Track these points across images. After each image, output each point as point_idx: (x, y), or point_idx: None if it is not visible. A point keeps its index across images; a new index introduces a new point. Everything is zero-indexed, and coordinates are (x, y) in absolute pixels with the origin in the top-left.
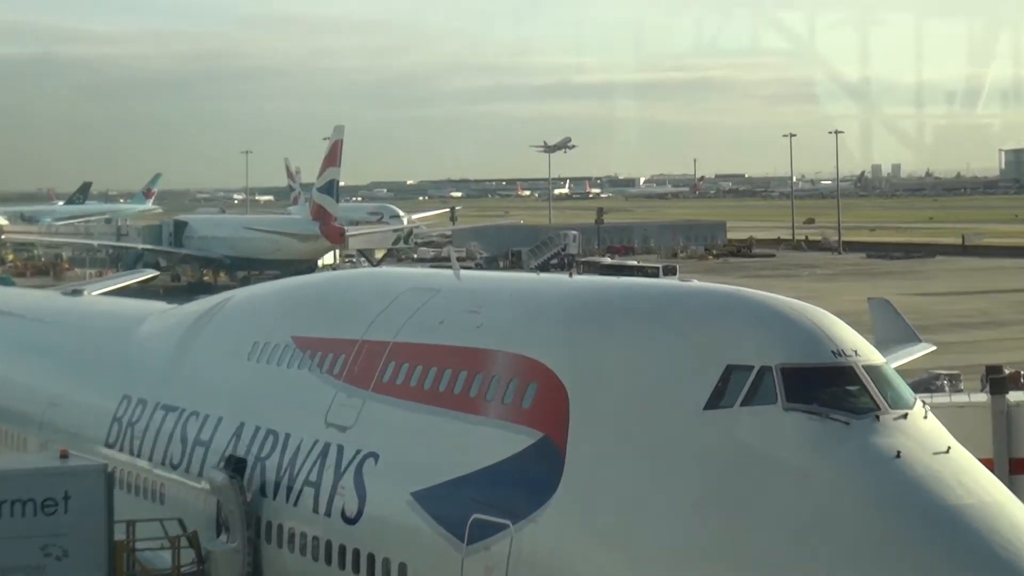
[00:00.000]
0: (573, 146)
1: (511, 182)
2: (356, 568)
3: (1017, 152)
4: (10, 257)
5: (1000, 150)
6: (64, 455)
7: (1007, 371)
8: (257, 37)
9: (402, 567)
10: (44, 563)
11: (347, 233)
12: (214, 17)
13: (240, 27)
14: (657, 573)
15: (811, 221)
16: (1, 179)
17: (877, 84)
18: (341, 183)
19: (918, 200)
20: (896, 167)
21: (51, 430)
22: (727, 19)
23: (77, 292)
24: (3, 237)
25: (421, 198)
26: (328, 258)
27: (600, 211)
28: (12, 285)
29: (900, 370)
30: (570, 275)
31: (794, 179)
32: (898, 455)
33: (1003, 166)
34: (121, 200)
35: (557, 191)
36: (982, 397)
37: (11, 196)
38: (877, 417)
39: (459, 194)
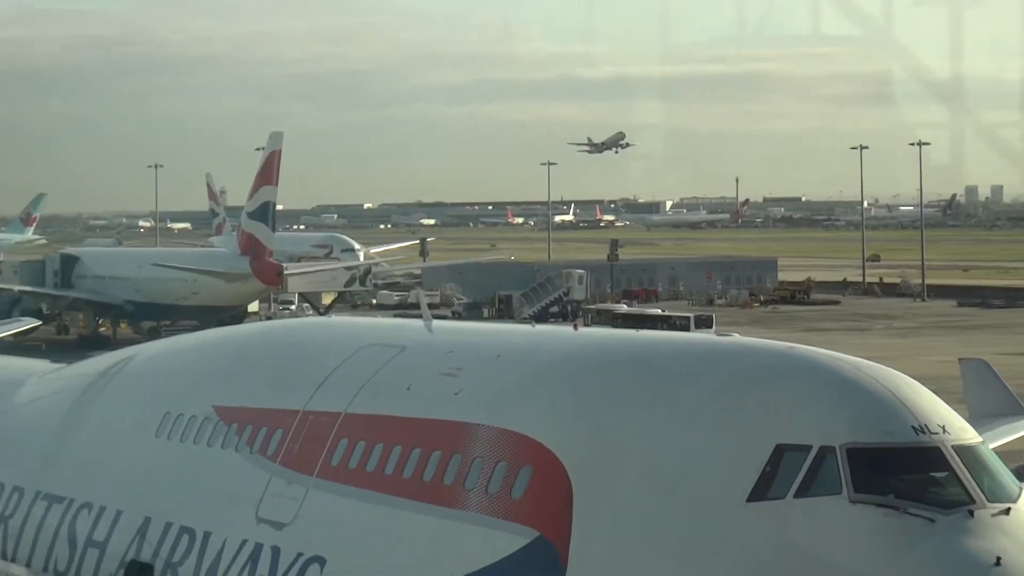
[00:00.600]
0: (627, 144)
1: (499, 206)
2: None
3: None
4: None
5: None
6: None
7: None
8: (170, 18)
9: None
10: None
11: (286, 271)
12: None
13: (148, 5)
14: None
15: (876, 258)
16: None
17: (973, 83)
18: (279, 206)
19: None
20: (997, 189)
21: None
22: None
23: None
24: None
25: (383, 226)
26: (254, 306)
27: (614, 244)
28: None
29: (1001, 452)
30: (575, 327)
31: (865, 204)
32: (998, 562)
33: None
34: None
35: (559, 218)
36: None
37: None
38: (971, 512)
39: (431, 221)
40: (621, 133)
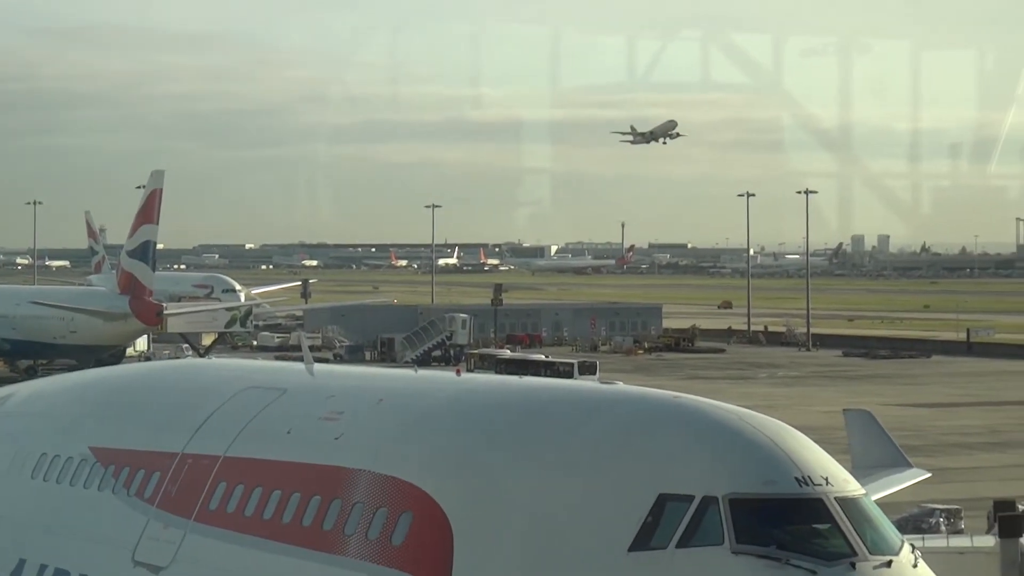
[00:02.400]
0: (678, 134)
1: (382, 248)
2: None
3: None
4: None
5: (1018, 219)
6: None
7: (1021, 507)
8: (52, 54)
9: None
10: None
11: (166, 311)
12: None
13: (29, 40)
14: None
15: (727, 305)
16: None
17: (861, 132)
18: (160, 245)
19: (912, 283)
20: (884, 239)
21: None
22: (670, 43)
23: None
24: None
25: (264, 267)
26: (141, 344)
27: (498, 288)
28: None
29: (883, 503)
30: (457, 372)
31: (752, 252)
32: None
33: (1021, 240)
34: None
35: (443, 261)
36: (989, 540)
37: None
38: (853, 565)
39: (314, 262)
40: (672, 122)
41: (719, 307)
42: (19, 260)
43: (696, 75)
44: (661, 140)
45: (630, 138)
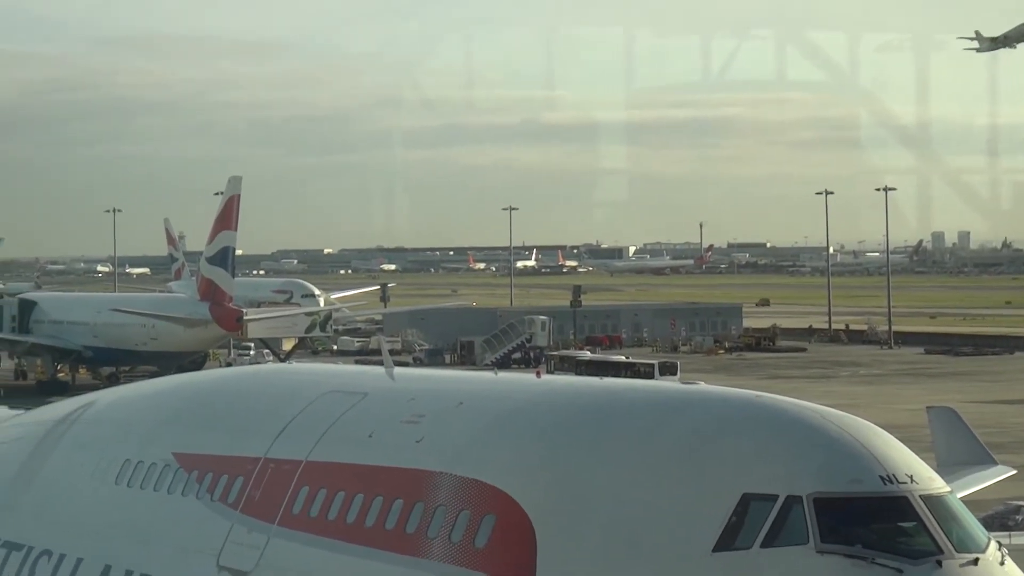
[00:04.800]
0: None
1: (460, 251)
2: None
3: None
4: None
5: None
6: None
7: None
8: (128, 62)
9: None
10: None
11: (246, 317)
12: (69, 35)
13: (104, 49)
14: None
15: (765, 303)
16: None
17: (940, 128)
18: (239, 251)
19: (993, 279)
20: (964, 235)
21: None
22: (746, 43)
23: None
24: None
25: (343, 271)
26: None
27: (577, 290)
28: None
29: (969, 500)
30: (538, 374)
31: (831, 250)
32: None
33: None
34: None
35: (521, 263)
36: None
37: None
38: (939, 563)
39: (392, 267)
40: None
41: (757, 304)
42: (100, 268)
43: (771, 74)
44: (1012, 46)
45: (975, 45)
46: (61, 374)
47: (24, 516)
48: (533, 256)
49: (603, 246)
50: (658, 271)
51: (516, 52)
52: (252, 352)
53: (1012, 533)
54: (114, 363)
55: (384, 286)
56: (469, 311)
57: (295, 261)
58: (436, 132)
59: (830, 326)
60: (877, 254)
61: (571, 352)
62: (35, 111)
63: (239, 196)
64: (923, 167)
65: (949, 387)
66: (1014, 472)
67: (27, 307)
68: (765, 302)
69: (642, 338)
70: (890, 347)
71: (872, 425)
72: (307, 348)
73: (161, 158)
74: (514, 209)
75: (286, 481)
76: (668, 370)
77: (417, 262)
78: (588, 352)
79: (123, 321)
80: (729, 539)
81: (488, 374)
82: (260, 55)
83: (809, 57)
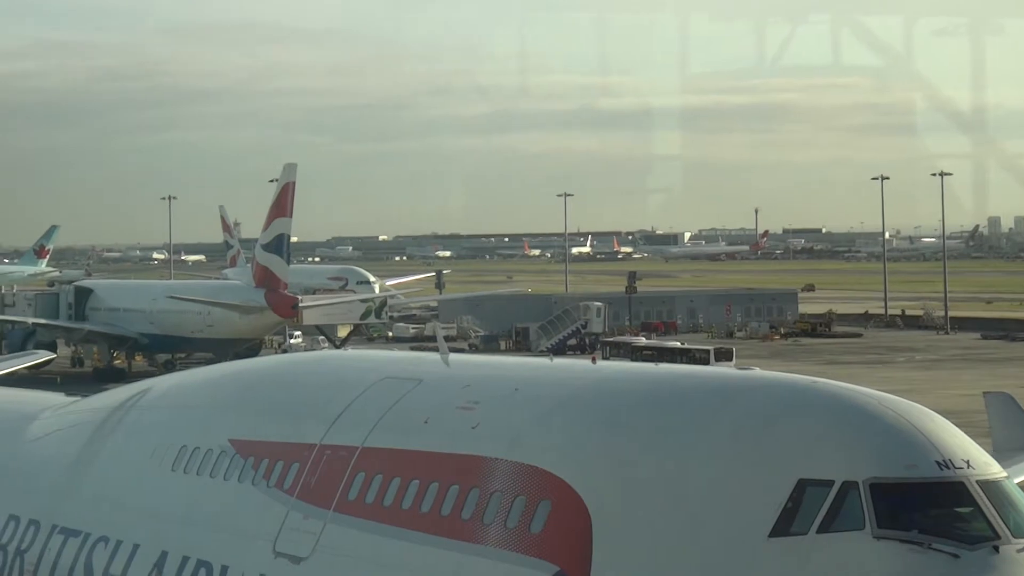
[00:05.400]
0: None
1: (516, 238)
2: None
3: None
4: None
5: None
6: None
7: None
8: (183, 51)
9: None
10: None
11: (301, 304)
12: (127, 25)
13: (161, 38)
14: None
15: (810, 288)
16: None
17: (995, 113)
18: (294, 238)
19: None
20: (1021, 220)
21: None
22: (801, 28)
23: None
24: None
25: (398, 258)
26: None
27: (632, 276)
28: None
29: None
30: (593, 360)
31: (887, 235)
32: None
33: None
34: (6, 260)
35: (576, 250)
36: None
37: None
38: (996, 548)
39: (447, 253)
40: None
41: (802, 290)
42: (155, 255)
43: (825, 59)
44: None
45: None
46: (117, 361)
47: (81, 503)
48: (588, 242)
49: (658, 232)
50: (713, 257)
51: (572, 39)
52: (300, 338)
53: None
54: (170, 350)
55: (439, 273)
56: (524, 297)
57: (350, 248)
58: (490, 119)
59: (886, 312)
60: (933, 239)
61: (626, 338)
62: (94, 100)
63: (294, 183)
64: (979, 152)
65: (1006, 372)
66: None
67: (83, 294)
68: (810, 287)
69: (697, 324)
70: (946, 332)
71: (928, 410)
72: (362, 335)
73: (216, 146)
74: (569, 195)
75: (342, 467)
76: (723, 356)
77: (472, 249)
78: (643, 338)
79: (179, 308)
80: (785, 524)
81: (544, 360)
82: (314, 43)
83: (864, 42)
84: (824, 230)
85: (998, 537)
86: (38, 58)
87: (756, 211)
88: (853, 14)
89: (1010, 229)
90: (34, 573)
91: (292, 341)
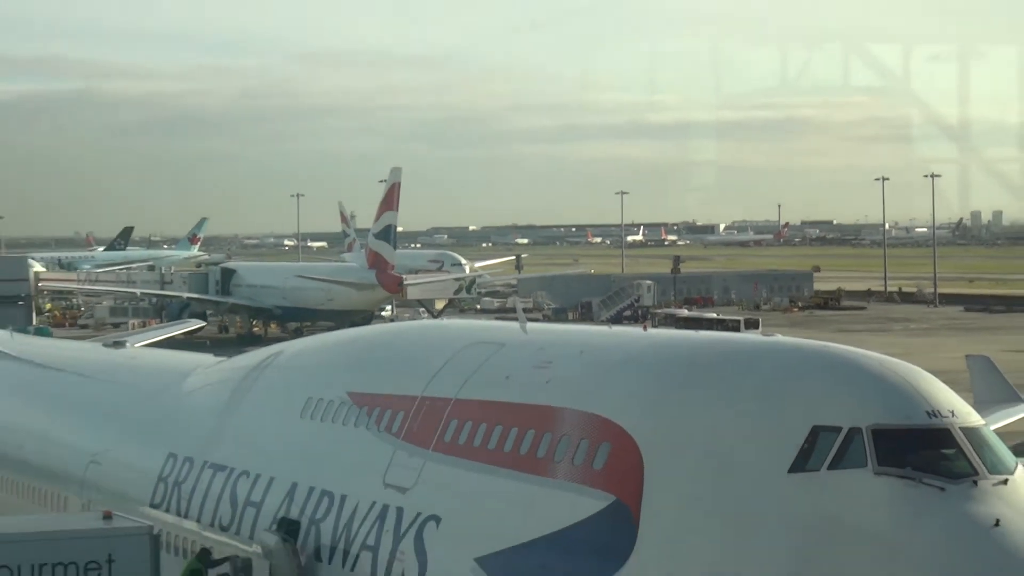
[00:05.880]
0: None
1: (580, 228)
2: None
3: None
4: (47, 307)
5: None
6: (107, 516)
7: None
8: (308, 74)
9: None
10: None
11: (405, 282)
12: (265, 52)
13: (291, 63)
14: None
15: (816, 269)
16: (36, 224)
17: (978, 125)
18: (399, 228)
19: (1021, 250)
20: (997, 214)
21: (93, 489)
22: (816, 54)
23: (119, 343)
24: (40, 285)
25: (484, 245)
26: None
27: (676, 259)
28: (49, 336)
29: (1001, 432)
30: (644, 328)
31: (887, 226)
32: (997, 524)
33: None
34: (165, 246)
35: (630, 238)
36: None
37: (47, 242)
38: (975, 483)
39: (524, 241)
40: None
41: (812, 269)
42: (286, 242)
43: (838, 80)
44: None
45: None
46: (256, 329)
47: (227, 443)
48: (640, 232)
49: (698, 224)
50: (743, 244)
51: (624, 64)
52: (389, 311)
53: None
54: (298, 319)
55: (518, 256)
56: (588, 277)
57: (445, 236)
58: (560, 130)
59: (885, 289)
60: (925, 230)
61: (671, 310)
62: (238, 114)
63: (399, 183)
64: (964, 157)
65: (985, 339)
66: None
67: (227, 274)
68: (816, 268)
69: (730, 299)
70: (935, 306)
71: (920, 370)
72: (455, 307)
73: (336, 152)
74: (624, 193)
75: (439, 415)
76: (751, 325)
77: (545, 237)
78: (685, 310)
79: (306, 286)
80: (802, 462)
81: (604, 328)
82: (416, 67)
83: (870, 66)
84: (835, 222)
85: (976, 473)
86: (197, 80)
87: (779, 206)
88: (861, 42)
89: (988, 221)
90: (189, 500)
91: (383, 314)
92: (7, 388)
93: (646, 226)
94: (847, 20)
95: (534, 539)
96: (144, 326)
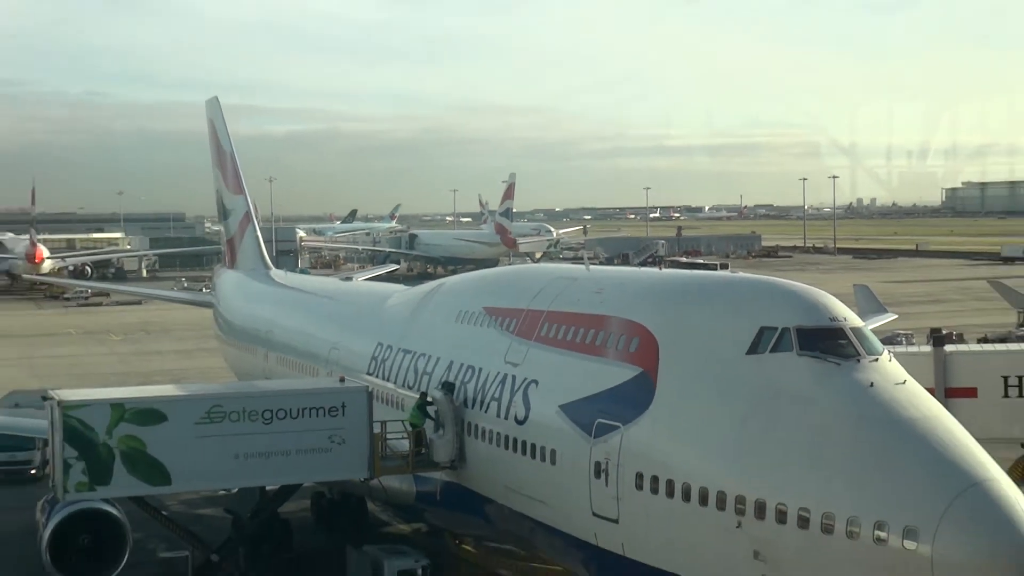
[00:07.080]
0: None
1: (622, 210)
2: (524, 452)
3: (952, 190)
4: (306, 256)
5: (941, 188)
6: (342, 380)
7: (944, 331)
8: (461, 118)
9: (552, 452)
10: (331, 447)
11: (519, 242)
12: (437, 104)
13: (451, 112)
14: (715, 462)
15: (755, 232)
16: (299, 205)
17: (862, 145)
18: (514, 210)
19: (888, 222)
20: (873, 200)
21: (333, 364)
22: (770, 104)
23: (349, 278)
24: (302, 244)
25: (565, 220)
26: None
27: (679, 229)
28: (308, 274)
29: (874, 331)
30: (660, 268)
31: (806, 207)
32: (872, 385)
33: (943, 199)
34: (376, 220)
35: (652, 215)
36: (927, 348)
37: (304, 219)
38: (858, 360)
39: (589, 217)
40: None
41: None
42: (447, 218)
43: (782, 118)
44: None
45: None
46: (430, 270)
47: (412, 337)
48: (658, 212)
49: (693, 206)
50: (719, 219)
51: (648, 110)
52: (525, 258)
53: (895, 347)
54: (455, 265)
55: (585, 227)
56: (626, 239)
57: (541, 215)
58: (607, 151)
59: (804, 244)
60: (829, 209)
61: (676, 258)
62: (417, 143)
63: (514, 183)
64: (853, 165)
65: (866, 275)
66: (896, 316)
67: (412, 237)
68: (755, 233)
69: (712, 252)
70: (834, 256)
71: (825, 292)
72: (549, 256)
73: (477, 165)
74: (648, 188)
75: (537, 320)
76: (723, 267)
77: (602, 215)
78: (684, 258)
79: (460, 244)
80: (754, 348)
81: (636, 269)
82: (525, 113)
83: (800, 112)
84: (775, 205)
85: (859, 355)
86: (391, 122)
87: (741, 196)
88: (798, 95)
89: (867, 204)
90: (389, 369)
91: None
92: (285, 304)
93: (661, 208)
94: (787, 81)
95: (594, 393)
96: (363, 268)
